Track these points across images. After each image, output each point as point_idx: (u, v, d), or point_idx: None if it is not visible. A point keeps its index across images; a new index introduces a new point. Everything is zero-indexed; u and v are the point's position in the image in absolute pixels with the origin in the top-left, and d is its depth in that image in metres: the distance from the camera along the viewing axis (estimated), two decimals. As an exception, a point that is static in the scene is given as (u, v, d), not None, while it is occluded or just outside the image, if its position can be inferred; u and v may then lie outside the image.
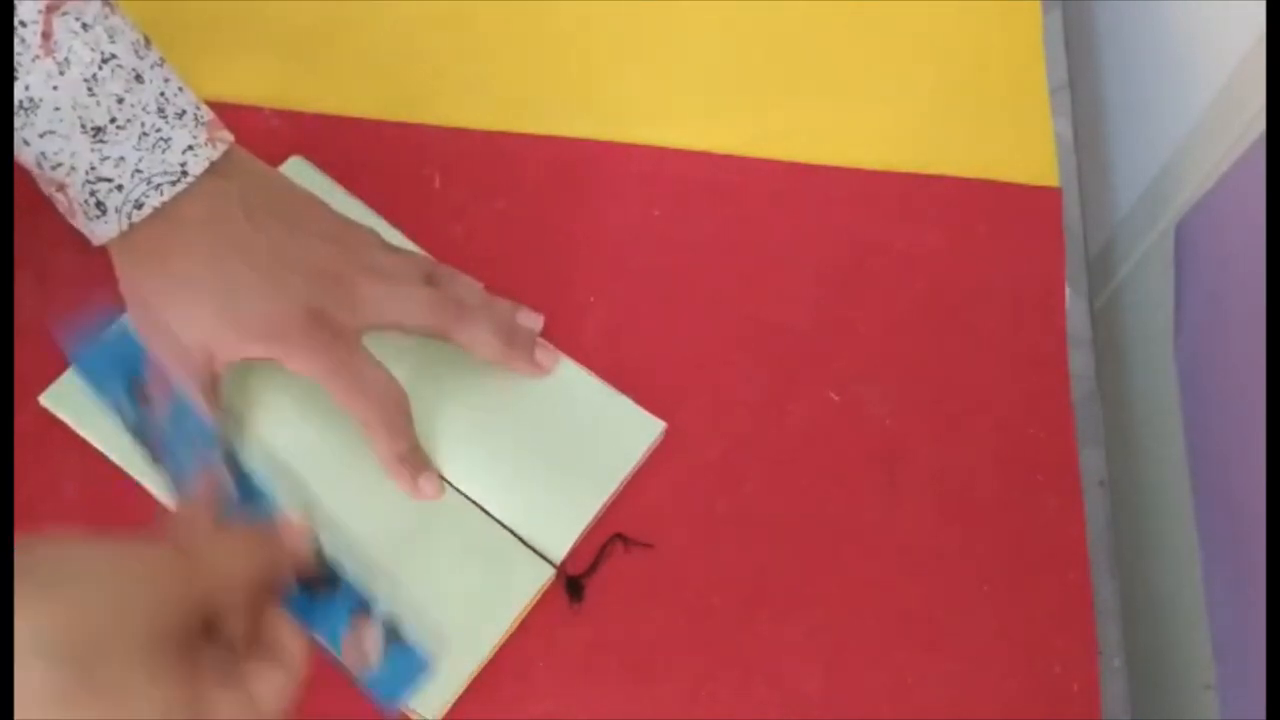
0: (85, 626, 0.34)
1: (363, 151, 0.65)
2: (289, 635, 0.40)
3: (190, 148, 0.51)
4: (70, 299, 0.59)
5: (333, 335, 0.52)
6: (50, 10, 0.48)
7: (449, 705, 0.51)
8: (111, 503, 0.55)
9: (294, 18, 0.69)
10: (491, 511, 0.55)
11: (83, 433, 0.56)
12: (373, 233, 0.57)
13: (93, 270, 0.58)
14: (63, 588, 0.34)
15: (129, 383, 0.47)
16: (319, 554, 0.43)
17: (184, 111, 0.52)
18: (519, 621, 0.54)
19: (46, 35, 0.48)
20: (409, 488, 0.55)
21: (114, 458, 0.55)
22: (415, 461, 0.55)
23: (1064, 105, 0.71)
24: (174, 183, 0.51)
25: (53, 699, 0.32)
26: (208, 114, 0.53)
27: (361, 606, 0.45)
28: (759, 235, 0.65)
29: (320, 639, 0.43)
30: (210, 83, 0.56)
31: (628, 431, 0.58)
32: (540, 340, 0.58)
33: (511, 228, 0.64)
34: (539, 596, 0.54)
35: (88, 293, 0.58)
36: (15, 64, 0.48)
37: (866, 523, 0.58)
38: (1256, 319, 0.54)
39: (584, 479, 0.56)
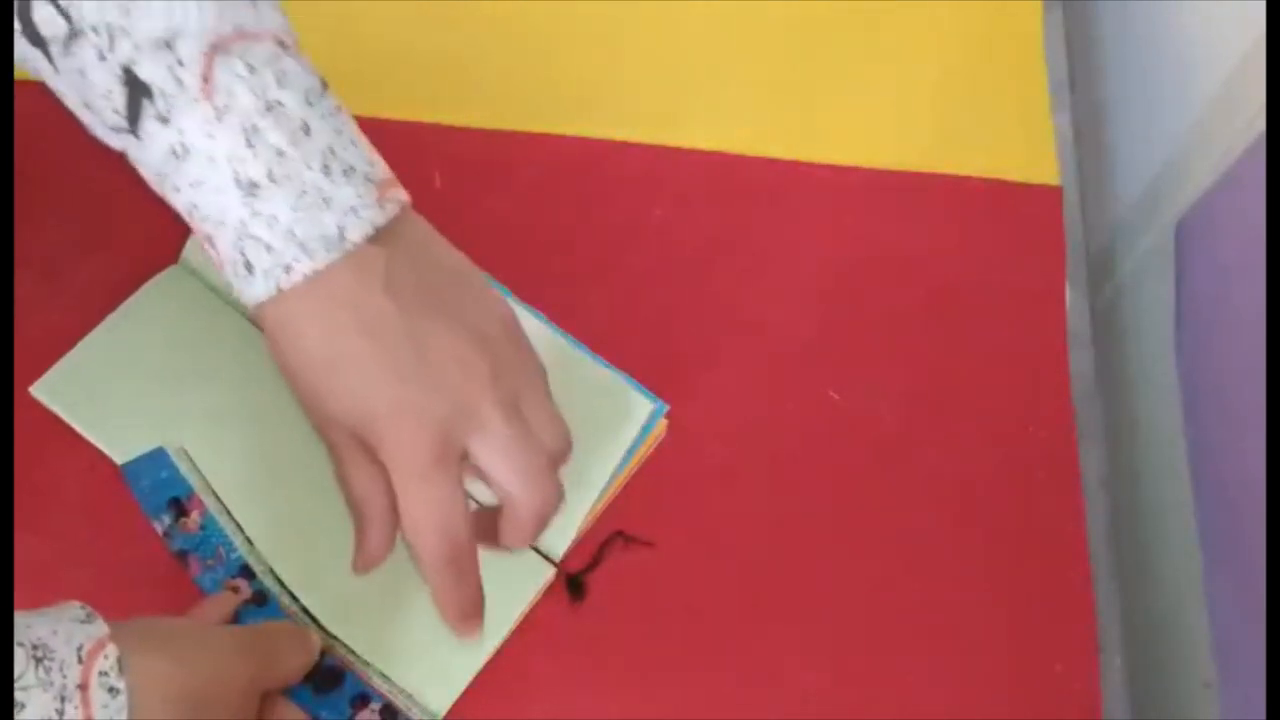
0: (194, 682, 0.43)
1: (363, 151, 0.65)
2: (294, 715, 0.49)
3: (353, 209, 0.46)
4: (70, 299, 0.59)
5: (433, 454, 0.47)
6: (214, 50, 0.44)
7: (451, 703, 0.52)
8: (109, 499, 0.55)
9: (293, 18, 0.69)
10: (493, 510, 0.55)
11: (73, 423, 0.56)
12: (532, 354, 0.51)
13: (92, 270, 0.59)
14: (176, 651, 0.44)
15: (169, 500, 0.54)
16: (323, 654, 0.51)
17: (352, 168, 0.46)
18: (520, 620, 0.54)
19: (206, 78, 0.44)
20: (456, 624, 0.50)
21: (103, 447, 0.55)
22: (469, 609, 0.50)
23: (1064, 103, 0.71)
24: (328, 249, 0.45)
25: None
26: (381, 171, 0.47)
27: (360, 698, 0.51)
28: (759, 235, 0.65)
29: None
30: (210, 83, 0.56)
31: (620, 414, 0.57)
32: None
33: (511, 228, 0.64)
34: (540, 595, 0.54)
35: (87, 292, 0.58)
36: (169, 106, 0.44)
37: (866, 521, 0.58)
38: (1257, 317, 0.54)
39: (579, 468, 0.56)
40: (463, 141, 0.66)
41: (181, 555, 0.53)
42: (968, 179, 0.67)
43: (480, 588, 0.50)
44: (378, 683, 0.51)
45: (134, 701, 0.41)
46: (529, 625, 0.54)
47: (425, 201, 0.64)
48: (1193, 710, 0.62)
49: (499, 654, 0.53)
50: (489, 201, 0.64)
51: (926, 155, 0.68)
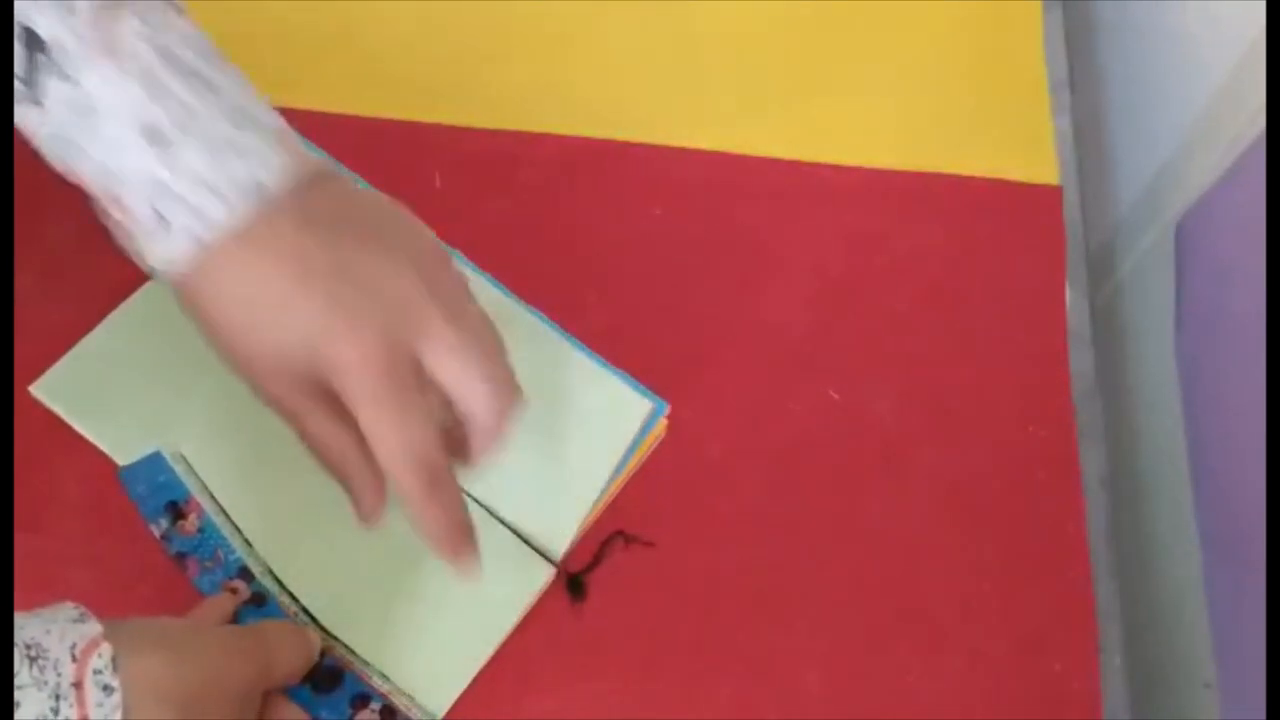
0: (190, 682, 0.43)
1: (363, 151, 0.64)
2: (294, 714, 0.50)
3: (267, 159, 0.44)
4: (70, 298, 0.59)
5: (382, 366, 0.44)
6: (109, 7, 0.43)
7: (451, 703, 0.52)
8: (109, 499, 0.55)
9: (294, 18, 0.70)
10: (491, 508, 0.55)
11: (73, 423, 0.56)
12: (461, 277, 0.49)
13: (93, 270, 0.59)
14: (172, 650, 0.43)
15: (166, 504, 0.54)
16: (322, 654, 0.51)
17: (264, 125, 0.45)
18: (520, 620, 0.54)
19: (104, 30, 0.43)
20: (448, 556, 0.47)
21: (103, 446, 0.55)
22: (457, 537, 0.47)
23: (1064, 103, 0.71)
24: (246, 198, 0.44)
25: None
26: (293, 139, 0.46)
27: (360, 698, 0.51)
28: (759, 235, 0.65)
29: None
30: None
31: (619, 414, 0.57)
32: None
33: (511, 227, 0.64)
34: (540, 595, 0.54)
35: (87, 292, 0.59)
36: (68, 62, 0.42)
37: (866, 521, 0.58)
38: (1257, 316, 0.54)
39: (578, 468, 0.56)
40: (463, 141, 0.66)
41: (180, 558, 0.53)
42: (968, 179, 0.67)
43: (465, 512, 0.47)
44: (378, 683, 0.51)
45: (129, 700, 0.41)
46: (529, 625, 0.54)
47: (425, 201, 0.64)
48: (1193, 710, 0.62)
49: (499, 654, 0.53)
50: (489, 201, 0.64)
51: (927, 155, 0.68)
